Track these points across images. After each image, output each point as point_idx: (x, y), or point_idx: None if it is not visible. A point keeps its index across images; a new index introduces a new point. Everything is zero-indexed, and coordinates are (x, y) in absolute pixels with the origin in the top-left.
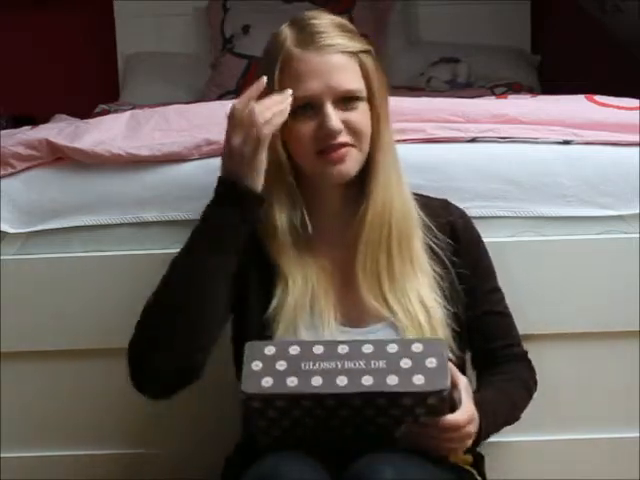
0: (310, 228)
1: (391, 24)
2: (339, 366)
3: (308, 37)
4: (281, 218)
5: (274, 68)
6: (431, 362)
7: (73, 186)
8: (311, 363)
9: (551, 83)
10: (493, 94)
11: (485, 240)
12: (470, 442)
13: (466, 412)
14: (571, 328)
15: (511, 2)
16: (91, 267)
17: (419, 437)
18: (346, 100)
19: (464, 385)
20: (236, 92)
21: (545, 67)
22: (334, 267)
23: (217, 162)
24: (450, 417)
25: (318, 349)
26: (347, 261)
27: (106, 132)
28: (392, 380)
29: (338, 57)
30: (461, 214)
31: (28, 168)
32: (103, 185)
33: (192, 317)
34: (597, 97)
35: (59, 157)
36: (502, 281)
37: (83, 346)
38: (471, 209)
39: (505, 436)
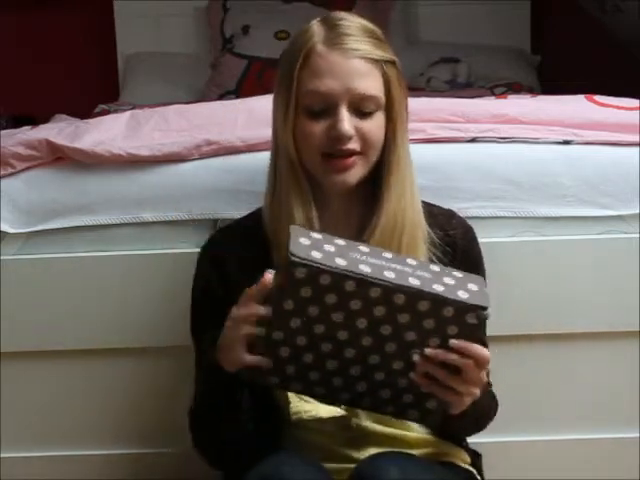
0: (317, 226)
1: (391, 24)
2: (385, 264)
3: (335, 37)
4: (299, 215)
5: (296, 61)
6: (472, 287)
7: (73, 186)
8: (358, 255)
9: (551, 83)
10: (493, 94)
11: (485, 240)
12: (478, 393)
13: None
14: (571, 328)
15: (511, 2)
16: (91, 267)
17: (434, 368)
18: (362, 107)
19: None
20: (236, 92)
21: (545, 67)
22: None
23: (217, 162)
24: (481, 347)
25: (364, 248)
26: None
27: (106, 132)
28: (438, 287)
29: (361, 62)
30: (464, 229)
31: (28, 168)
32: (103, 185)
33: None
34: (597, 97)
35: (59, 157)
36: (502, 281)
37: (83, 346)
38: (471, 209)
39: (505, 436)
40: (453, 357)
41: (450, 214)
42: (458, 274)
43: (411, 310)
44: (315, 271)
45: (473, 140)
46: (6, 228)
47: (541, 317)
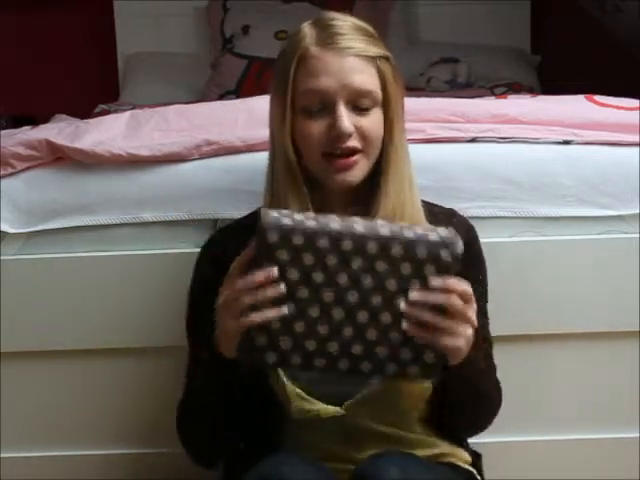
0: None
1: (391, 24)
2: (355, 223)
3: (328, 37)
4: None
5: (290, 63)
6: (442, 231)
7: (73, 186)
8: (328, 220)
9: (551, 83)
10: (493, 94)
11: (485, 240)
12: (471, 333)
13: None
14: (571, 328)
15: (511, 2)
16: (91, 267)
17: (421, 312)
18: (359, 103)
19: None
20: (236, 92)
21: (545, 67)
22: None
23: (217, 162)
24: (460, 282)
25: (334, 217)
26: None
27: (106, 132)
28: (409, 233)
29: (355, 60)
30: (466, 227)
31: (28, 168)
32: (103, 185)
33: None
34: (597, 97)
35: (59, 157)
36: (502, 281)
37: (83, 346)
38: (471, 209)
39: (505, 436)
40: (436, 296)
41: (451, 213)
42: (427, 226)
43: (386, 257)
44: (287, 232)
45: (473, 140)
46: (6, 228)
47: (541, 317)
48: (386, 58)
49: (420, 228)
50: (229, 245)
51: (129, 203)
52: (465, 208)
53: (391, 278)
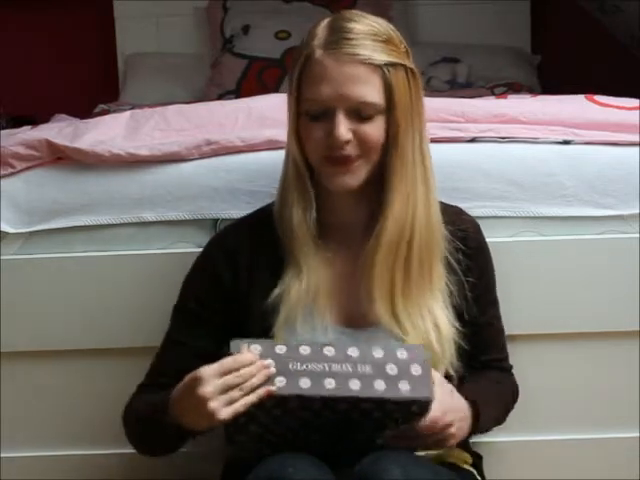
0: (312, 229)
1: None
2: (326, 368)
3: (334, 41)
4: (298, 214)
5: (296, 66)
6: (416, 370)
7: (73, 186)
8: (298, 364)
9: (551, 83)
10: (493, 94)
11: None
12: (454, 430)
13: (439, 406)
14: (571, 328)
15: (511, 2)
16: (91, 267)
17: (401, 440)
18: (360, 112)
19: (438, 381)
20: (236, 92)
21: (545, 67)
22: (348, 266)
23: (217, 162)
24: (426, 422)
25: (305, 350)
26: (363, 265)
27: (106, 132)
28: (379, 385)
29: (357, 68)
30: (473, 224)
31: (28, 168)
32: (103, 185)
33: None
34: (597, 97)
35: (59, 157)
36: (502, 281)
37: (83, 346)
38: (471, 209)
39: (504, 436)
40: (409, 434)
41: (458, 210)
42: (402, 354)
43: (357, 410)
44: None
45: (473, 140)
46: (6, 228)
47: (541, 317)
48: (395, 65)
49: (395, 362)
50: (238, 240)
51: (129, 203)
52: (465, 208)
53: (365, 420)
